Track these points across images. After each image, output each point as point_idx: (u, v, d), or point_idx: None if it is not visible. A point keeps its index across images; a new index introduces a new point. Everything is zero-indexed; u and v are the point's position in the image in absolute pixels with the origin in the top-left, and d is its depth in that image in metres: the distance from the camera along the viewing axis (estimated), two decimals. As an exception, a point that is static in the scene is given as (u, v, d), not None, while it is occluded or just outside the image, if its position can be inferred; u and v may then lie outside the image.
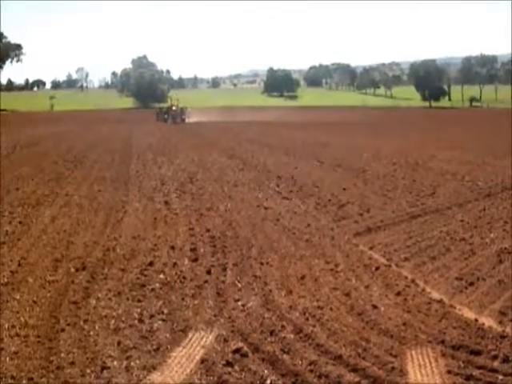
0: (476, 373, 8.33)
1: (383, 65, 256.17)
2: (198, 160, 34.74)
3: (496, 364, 8.60)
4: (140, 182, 26.41)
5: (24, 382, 8.20)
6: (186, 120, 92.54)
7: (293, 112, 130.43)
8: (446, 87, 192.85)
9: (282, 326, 9.87)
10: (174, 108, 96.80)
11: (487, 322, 10.11)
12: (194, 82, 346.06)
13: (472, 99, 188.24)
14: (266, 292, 11.71)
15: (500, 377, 8.26)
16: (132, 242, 15.54)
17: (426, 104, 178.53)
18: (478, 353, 8.93)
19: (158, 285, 12.18)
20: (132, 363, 8.65)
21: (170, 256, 14.28)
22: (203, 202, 21.36)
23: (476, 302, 11.24)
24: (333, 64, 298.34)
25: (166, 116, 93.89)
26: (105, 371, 8.44)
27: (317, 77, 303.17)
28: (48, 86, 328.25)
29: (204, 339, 9.44)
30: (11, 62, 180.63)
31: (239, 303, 11.06)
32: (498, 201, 21.27)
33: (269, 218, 18.70)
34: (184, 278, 12.66)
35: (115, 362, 8.67)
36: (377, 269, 13.28)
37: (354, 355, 8.83)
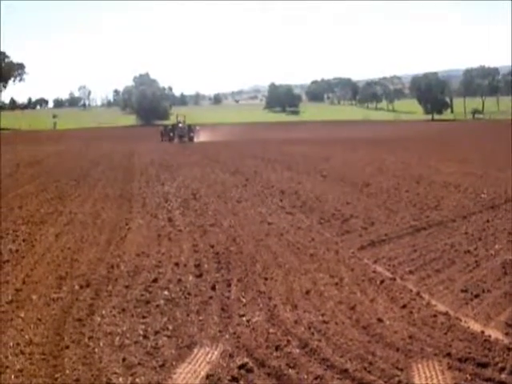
0: (483, 385, 8.30)
1: (385, 78, 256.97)
2: (200, 176, 34.76)
3: (503, 376, 8.55)
4: (143, 198, 26.41)
5: (29, 400, 8.18)
6: (195, 139, 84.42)
7: (295, 127, 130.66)
8: (447, 100, 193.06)
9: (288, 341, 9.84)
10: (180, 125, 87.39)
11: (493, 333, 10.06)
12: (196, 98, 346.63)
13: (474, 111, 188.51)
14: (270, 307, 11.68)
15: (507, 389, 8.22)
16: (136, 259, 15.52)
17: (429, 117, 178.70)
18: (484, 365, 8.88)
19: (162, 301, 12.15)
20: (137, 379, 8.61)
21: (175, 272, 14.25)
22: (207, 218, 21.34)
23: (482, 314, 11.19)
24: (334, 78, 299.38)
25: (171, 134, 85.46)
26: (110, 388, 8.42)
27: (318, 91, 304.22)
28: (51, 104, 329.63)
29: (209, 355, 9.41)
30: (14, 81, 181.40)
31: (244, 319, 11.03)
32: (501, 212, 21.22)
33: (272, 233, 18.68)
34: (189, 294, 12.64)
35: (120, 379, 8.64)
36: (381, 282, 13.25)
37: (360, 369, 8.80)
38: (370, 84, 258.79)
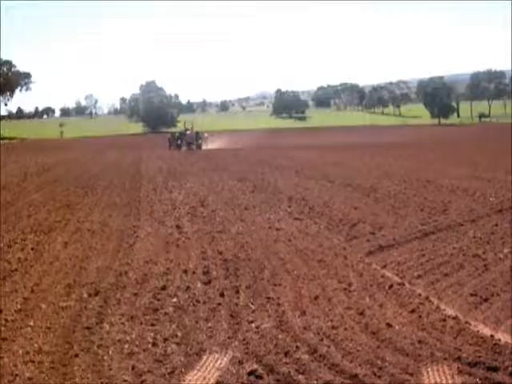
0: (493, 389, 8.28)
1: (391, 83, 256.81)
2: (208, 183, 34.75)
3: (513, 380, 8.53)
4: (151, 206, 26.41)
5: (39, 408, 8.19)
6: (203, 146, 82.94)
7: (302, 133, 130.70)
8: (454, 104, 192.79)
9: (297, 347, 9.83)
10: (188, 132, 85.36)
11: (503, 337, 10.04)
12: (203, 105, 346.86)
13: (481, 115, 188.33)
14: (279, 313, 11.67)
15: (518, 393, 8.19)
16: (144, 267, 15.53)
17: (435, 121, 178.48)
18: (494, 369, 8.85)
19: (171, 308, 12.16)
20: (147, 387, 8.63)
21: (183, 279, 14.25)
22: (215, 225, 21.34)
23: (491, 317, 11.17)
24: (341, 84, 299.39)
25: (179, 142, 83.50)
26: (120, 396, 8.42)
27: (325, 97, 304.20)
28: (57, 113, 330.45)
29: (219, 362, 9.40)
30: (20, 90, 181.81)
31: (253, 325, 11.02)
32: (510, 216, 21.14)
33: (281, 239, 18.66)
34: (197, 301, 12.64)
35: (130, 387, 8.65)
36: (390, 287, 13.23)
37: (370, 374, 8.78)
38: (376, 89, 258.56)
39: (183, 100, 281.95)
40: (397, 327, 10.70)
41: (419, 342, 9.95)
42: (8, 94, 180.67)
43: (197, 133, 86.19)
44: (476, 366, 8.97)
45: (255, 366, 9.13)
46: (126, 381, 8.82)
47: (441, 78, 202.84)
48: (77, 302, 12.72)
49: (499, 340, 9.89)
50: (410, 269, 14.76)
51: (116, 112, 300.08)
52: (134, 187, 34.33)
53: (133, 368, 9.22)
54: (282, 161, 50.42)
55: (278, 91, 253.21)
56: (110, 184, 36.40)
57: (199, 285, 13.78)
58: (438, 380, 8.58)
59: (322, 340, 10.15)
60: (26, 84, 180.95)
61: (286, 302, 12.40)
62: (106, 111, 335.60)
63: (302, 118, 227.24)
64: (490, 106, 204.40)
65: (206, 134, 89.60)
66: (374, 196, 27.36)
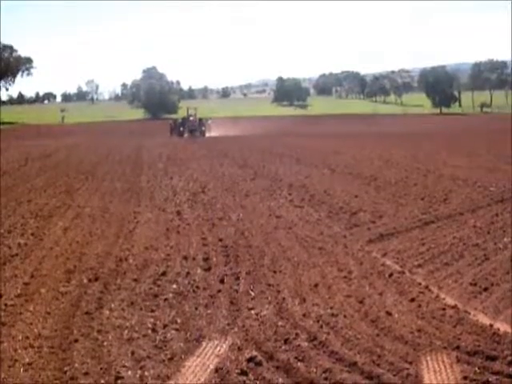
0: (492, 378, 8.27)
1: (393, 72, 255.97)
2: (209, 170, 34.75)
3: (512, 369, 8.53)
4: (151, 192, 26.42)
5: (38, 393, 8.19)
6: (207, 134, 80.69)
7: (303, 120, 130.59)
8: (456, 93, 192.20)
9: (296, 334, 9.84)
10: (191, 119, 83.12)
11: (502, 327, 10.05)
12: (204, 92, 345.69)
13: (482, 105, 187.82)
14: (279, 300, 11.68)
15: (516, 382, 8.19)
16: (144, 253, 15.54)
17: (437, 111, 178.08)
18: (493, 358, 8.86)
19: (171, 295, 12.17)
20: (146, 373, 8.63)
21: (183, 266, 14.26)
22: (215, 211, 21.34)
23: (491, 307, 11.18)
24: (342, 72, 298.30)
25: (181, 129, 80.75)
26: (119, 381, 8.43)
27: (326, 85, 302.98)
28: (58, 98, 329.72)
29: (218, 348, 9.42)
30: (21, 75, 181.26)
31: (253, 312, 11.04)
32: (510, 206, 21.13)
33: (281, 226, 18.67)
34: (197, 287, 12.65)
35: (129, 372, 8.65)
36: (390, 276, 13.24)
37: (369, 362, 8.79)
38: (378, 78, 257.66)
39: (184, 86, 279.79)
40: (396, 316, 10.72)
41: (418, 330, 9.96)
42: (9, 78, 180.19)
43: (200, 119, 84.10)
44: (475, 355, 8.98)
45: (254, 353, 9.14)
46: (125, 366, 8.82)
47: (443, 67, 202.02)
48: (77, 287, 12.74)
49: (498, 329, 9.90)
50: (410, 257, 14.77)
51: (117, 98, 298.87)
52: (134, 173, 34.32)
53: (132, 354, 9.24)
54: (283, 148, 50.36)
55: (280, 78, 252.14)
56: (111, 170, 36.41)
57: (199, 271, 13.80)
58: (437, 369, 8.59)
59: (321, 327, 10.17)
60: (27, 69, 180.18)
61: (286, 289, 12.42)
62: (107, 97, 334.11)
63: (304, 106, 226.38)
64: (491, 96, 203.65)
65: (209, 121, 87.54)
66: (375, 185, 27.35)
